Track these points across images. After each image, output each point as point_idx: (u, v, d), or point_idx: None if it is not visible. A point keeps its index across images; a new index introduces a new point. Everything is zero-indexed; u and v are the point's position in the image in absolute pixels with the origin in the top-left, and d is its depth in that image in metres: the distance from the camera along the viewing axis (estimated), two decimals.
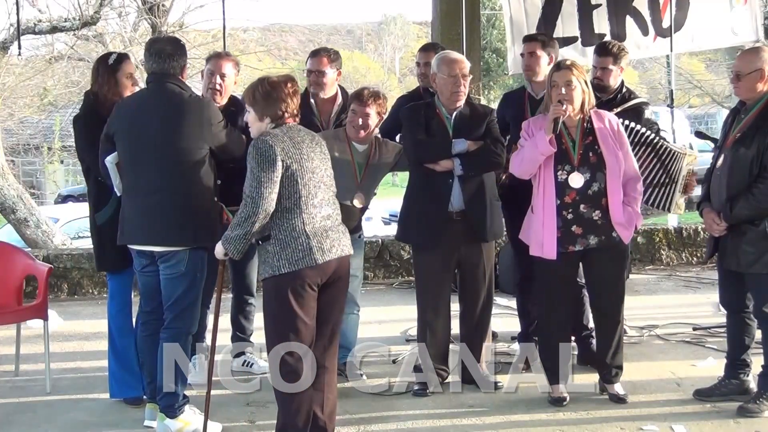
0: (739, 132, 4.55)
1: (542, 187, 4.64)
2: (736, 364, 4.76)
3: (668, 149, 5.18)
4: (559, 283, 4.75)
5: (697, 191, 5.03)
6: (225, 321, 5.63)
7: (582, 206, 4.61)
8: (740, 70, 4.57)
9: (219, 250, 4.03)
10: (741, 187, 4.47)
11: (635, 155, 4.94)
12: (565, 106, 4.54)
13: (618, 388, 4.80)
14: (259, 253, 4.03)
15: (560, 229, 4.62)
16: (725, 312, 4.88)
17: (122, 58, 4.83)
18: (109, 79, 4.71)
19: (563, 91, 4.56)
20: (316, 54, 5.38)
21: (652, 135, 5.16)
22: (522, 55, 5.49)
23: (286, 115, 3.98)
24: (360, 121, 4.88)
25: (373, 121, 4.92)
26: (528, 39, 5.58)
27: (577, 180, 4.59)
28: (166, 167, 4.29)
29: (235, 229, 3.89)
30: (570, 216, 4.61)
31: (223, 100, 5.12)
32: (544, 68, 5.27)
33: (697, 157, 5.29)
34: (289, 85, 4.00)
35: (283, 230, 3.89)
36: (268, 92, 3.96)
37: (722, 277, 4.78)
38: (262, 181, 3.81)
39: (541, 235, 4.65)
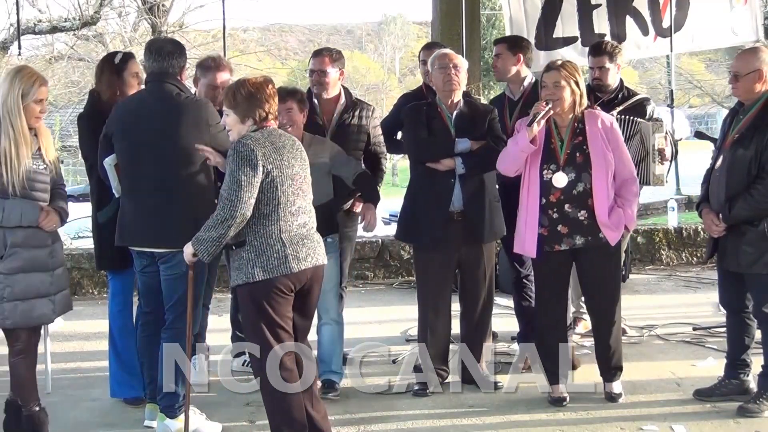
0: (738, 133, 4.55)
1: (527, 186, 4.66)
2: (736, 364, 4.76)
3: (641, 123, 5.26)
4: (551, 282, 4.76)
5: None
6: (226, 321, 5.65)
7: (567, 206, 4.61)
8: (738, 71, 4.57)
9: (188, 251, 3.96)
10: (740, 187, 4.47)
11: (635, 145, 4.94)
12: (550, 105, 4.55)
13: (616, 386, 4.80)
14: (232, 258, 3.96)
15: (546, 227, 4.63)
16: (725, 312, 4.88)
17: (128, 57, 4.83)
18: (114, 79, 4.72)
19: (553, 90, 4.58)
20: (318, 54, 5.37)
21: (638, 120, 5.23)
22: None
23: (270, 116, 3.96)
24: (284, 119, 4.68)
25: (297, 116, 4.75)
26: (495, 42, 5.68)
27: (560, 180, 4.60)
28: (166, 168, 4.29)
29: (209, 230, 3.83)
30: (555, 215, 4.62)
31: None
32: (510, 69, 5.38)
33: (663, 124, 5.33)
34: (270, 86, 3.97)
35: (259, 236, 3.85)
36: (251, 93, 3.90)
37: (722, 278, 4.78)
38: (242, 184, 3.77)
39: (523, 233, 4.67)
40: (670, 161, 5.42)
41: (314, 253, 3.96)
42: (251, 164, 3.79)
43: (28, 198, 4.11)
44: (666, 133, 5.33)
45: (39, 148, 4.17)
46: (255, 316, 3.88)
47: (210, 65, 5.15)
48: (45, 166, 4.19)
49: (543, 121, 4.54)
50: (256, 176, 3.79)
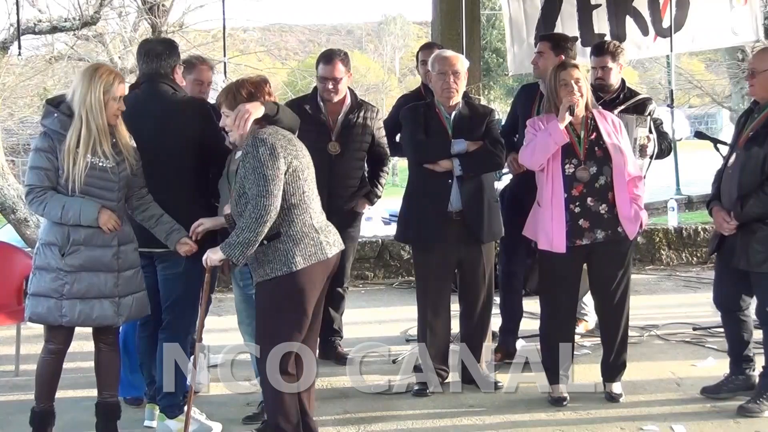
0: (752, 131, 4.55)
1: (550, 181, 4.66)
2: (740, 360, 4.76)
3: (625, 116, 5.24)
4: (563, 279, 4.75)
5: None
6: (226, 321, 5.65)
7: (589, 199, 4.62)
8: (755, 68, 4.57)
9: (215, 257, 3.87)
10: (753, 185, 4.46)
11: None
12: (577, 97, 4.59)
13: (616, 387, 4.81)
14: (264, 252, 3.82)
15: (568, 222, 4.63)
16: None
17: None
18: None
19: (575, 87, 4.60)
20: (329, 60, 5.29)
21: (623, 114, 5.23)
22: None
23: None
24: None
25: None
26: (539, 38, 5.63)
27: (583, 173, 4.61)
28: (162, 169, 4.27)
29: (244, 232, 3.72)
30: (577, 210, 4.63)
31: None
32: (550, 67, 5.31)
33: (648, 120, 5.33)
34: (267, 85, 3.98)
35: (293, 226, 3.82)
36: (251, 94, 3.89)
37: (719, 277, 4.79)
38: (269, 177, 3.71)
39: (551, 229, 4.65)
40: (651, 158, 5.41)
41: (337, 238, 4.00)
42: (274, 156, 3.74)
43: (91, 196, 4.01)
44: (650, 131, 5.32)
45: (115, 144, 4.06)
46: (287, 306, 3.82)
47: (195, 62, 5.08)
48: (114, 165, 4.05)
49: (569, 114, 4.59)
50: (281, 168, 3.75)
